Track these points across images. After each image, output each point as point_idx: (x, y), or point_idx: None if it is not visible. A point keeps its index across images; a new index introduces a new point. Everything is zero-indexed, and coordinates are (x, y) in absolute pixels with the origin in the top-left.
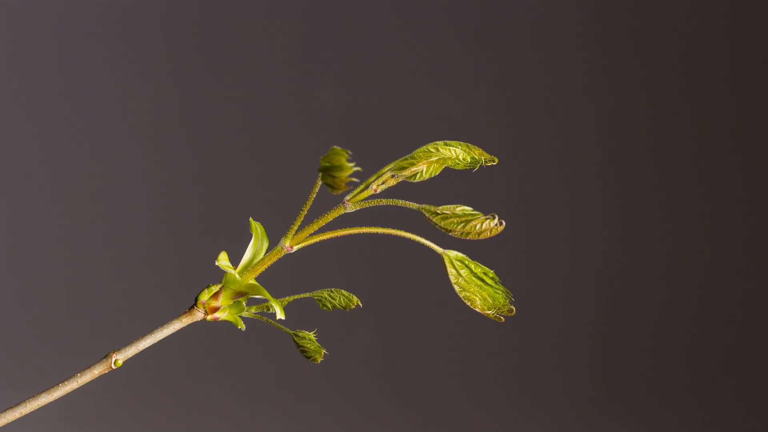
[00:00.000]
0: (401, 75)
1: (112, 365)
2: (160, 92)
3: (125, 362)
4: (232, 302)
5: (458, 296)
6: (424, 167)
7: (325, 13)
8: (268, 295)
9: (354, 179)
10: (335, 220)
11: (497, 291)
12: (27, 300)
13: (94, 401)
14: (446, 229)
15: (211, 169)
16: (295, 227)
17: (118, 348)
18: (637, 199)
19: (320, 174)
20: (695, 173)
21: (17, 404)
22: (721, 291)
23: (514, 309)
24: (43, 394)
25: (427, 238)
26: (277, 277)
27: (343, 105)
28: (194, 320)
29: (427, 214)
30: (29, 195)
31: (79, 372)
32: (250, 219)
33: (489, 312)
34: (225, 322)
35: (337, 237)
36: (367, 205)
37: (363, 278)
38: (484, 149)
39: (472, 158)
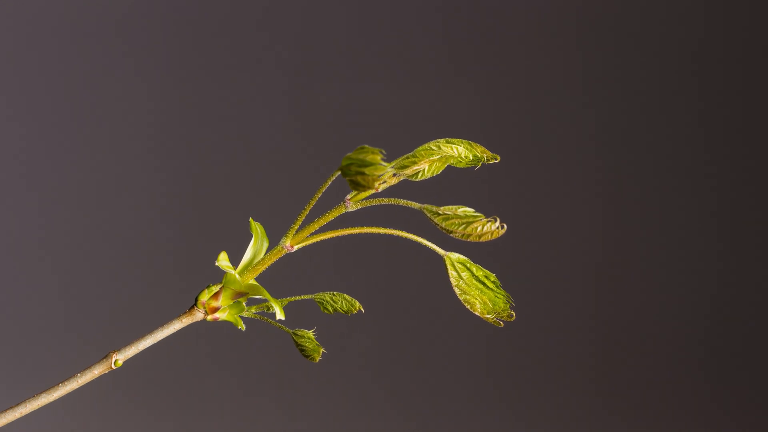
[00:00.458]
0: (402, 74)
1: (112, 365)
2: (160, 92)
3: (125, 362)
4: (232, 302)
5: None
6: (426, 165)
7: (325, 12)
8: (268, 296)
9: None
10: (336, 219)
11: (498, 295)
12: (27, 300)
13: (94, 401)
14: (447, 230)
15: (211, 169)
16: (296, 226)
17: (118, 348)
18: (637, 199)
19: (344, 171)
20: (695, 173)
21: (17, 404)
22: (720, 291)
23: (514, 314)
24: (43, 394)
25: (427, 238)
26: (277, 277)
27: (344, 104)
28: (194, 320)
29: (428, 215)
30: (29, 195)
31: (79, 372)
32: (250, 219)
33: (488, 316)
34: (225, 322)
35: (337, 237)
36: (368, 204)
37: (363, 278)
38: (485, 147)
39: (474, 156)
